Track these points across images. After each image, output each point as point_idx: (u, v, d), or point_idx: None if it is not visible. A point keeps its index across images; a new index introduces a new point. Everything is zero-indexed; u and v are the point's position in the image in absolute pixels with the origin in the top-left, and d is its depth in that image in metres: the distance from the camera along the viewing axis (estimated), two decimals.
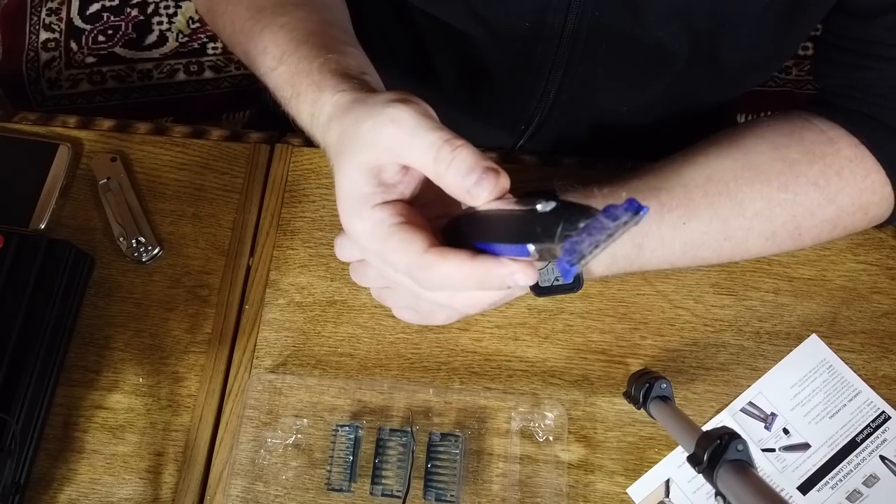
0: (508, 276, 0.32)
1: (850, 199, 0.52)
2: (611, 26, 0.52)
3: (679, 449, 0.55)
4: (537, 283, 0.52)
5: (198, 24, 1.53)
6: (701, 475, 0.42)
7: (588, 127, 0.67)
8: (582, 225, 0.28)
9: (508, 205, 0.33)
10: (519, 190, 0.58)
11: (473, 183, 0.32)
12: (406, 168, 0.36)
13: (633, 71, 0.56)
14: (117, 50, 1.52)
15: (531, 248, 0.30)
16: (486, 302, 0.40)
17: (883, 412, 0.56)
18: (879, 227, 0.57)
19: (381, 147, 0.35)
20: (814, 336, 0.59)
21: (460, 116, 0.69)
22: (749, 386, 0.57)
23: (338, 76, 0.40)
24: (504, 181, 0.33)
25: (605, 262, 0.52)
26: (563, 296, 0.57)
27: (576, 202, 0.30)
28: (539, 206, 0.30)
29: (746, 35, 0.51)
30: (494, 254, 0.33)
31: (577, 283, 0.52)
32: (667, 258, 0.52)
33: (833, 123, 0.53)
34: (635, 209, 0.29)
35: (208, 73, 1.50)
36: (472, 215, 0.35)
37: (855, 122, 0.52)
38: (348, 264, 0.44)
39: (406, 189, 0.37)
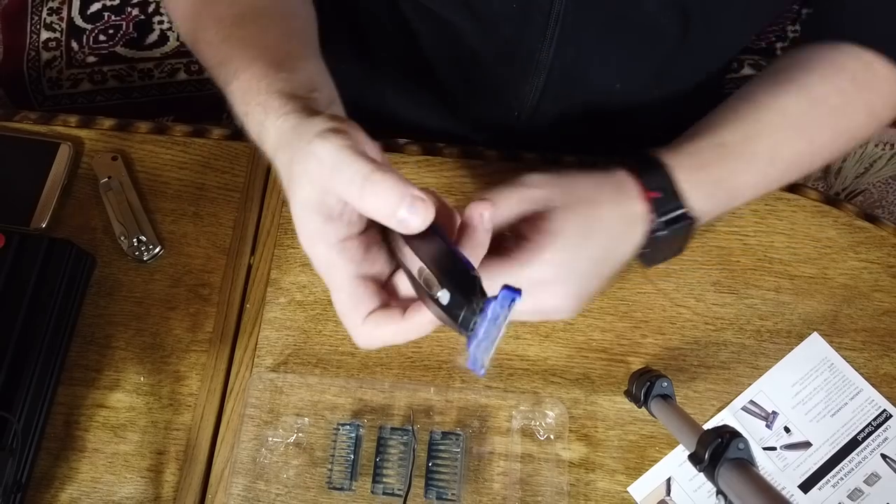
0: (431, 322, 0.36)
1: (885, 111, 0.55)
2: (600, 5, 0.52)
3: (680, 447, 0.55)
4: None
5: None
6: (702, 474, 0.42)
7: (583, 108, 0.67)
8: (477, 332, 0.32)
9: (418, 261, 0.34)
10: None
11: (405, 213, 0.33)
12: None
13: (624, 49, 0.57)
14: (118, 49, 1.52)
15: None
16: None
17: (884, 410, 0.56)
18: None
19: (312, 183, 0.35)
20: (815, 334, 0.58)
21: (454, 106, 0.69)
22: (750, 384, 0.57)
23: (283, 97, 0.40)
24: (431, 209, 0.33)
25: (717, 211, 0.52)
26: None
27: (465, 294, 0.33)
28: (438, 295, 0.32)
29: (738, 4, 0.52)
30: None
31: None
32: (755, 192, 0.54)
33: (861, 47, 0.54)
34: (510, 299, 0.32)
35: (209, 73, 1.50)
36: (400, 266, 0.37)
37: (873, 37, 0.54)
38: None
39: (352, 216, 0.36)
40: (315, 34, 0.51)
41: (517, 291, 0.32)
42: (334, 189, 0.34)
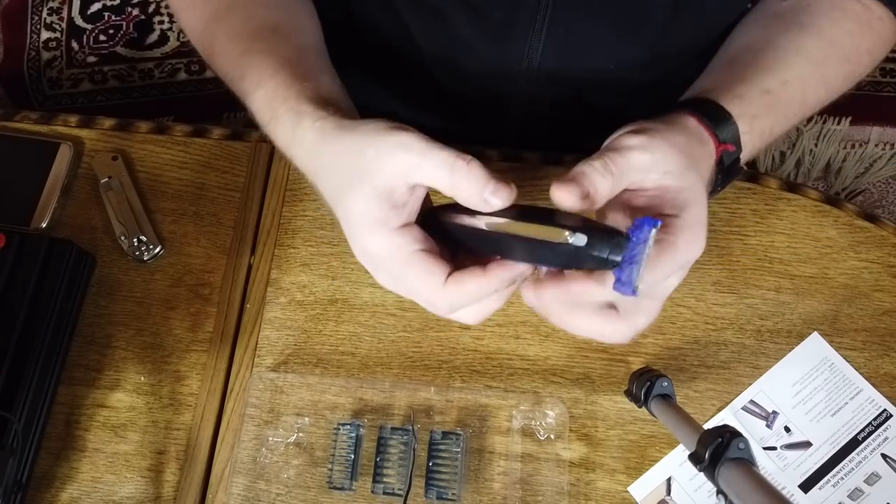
0: (519, 275, 0.38)
1: (882, 52, 0.57)
2: None
3: (680, 447, 0.55)
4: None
5: None
6: (702, 473, 0.42)
7: (579, 95, 0.66)
8: (621, 258, 0.35)
9: (517, 222, 0.37)
10: (527, 195, 0.58)
11: (490, 193, 0.36)
12: (412, 188, 0.39)
13: (616, 25, 0.57)
14: (118, 49, 1.52)
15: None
16: (489, 310, 0.42)
17: (884, 410, 0.56)
18: None
19: (389, 172, 0.38)
20: (815, 334, 0.58)
21: (451, 99, 0.69)
22: (750, 384, 0.57)
23: (315, 103, 0.43)
24: (514, 191, 0.37)
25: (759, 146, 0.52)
26: None
27: (602, 231, 0.36)
28: (571, 241, 0.35)
29: None
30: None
31: None
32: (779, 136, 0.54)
33: None
34: (652, 224, 0.35)
35: (209, 73, 1.50)
36: (477, 230, 0.39)
37: None
38: (349, 262, 0.44)
39: (413, 207, 0.39)
40: (325, 48, 0.53)
41: (655, 220, 0.35)
42: (421, 172, 0.37)
